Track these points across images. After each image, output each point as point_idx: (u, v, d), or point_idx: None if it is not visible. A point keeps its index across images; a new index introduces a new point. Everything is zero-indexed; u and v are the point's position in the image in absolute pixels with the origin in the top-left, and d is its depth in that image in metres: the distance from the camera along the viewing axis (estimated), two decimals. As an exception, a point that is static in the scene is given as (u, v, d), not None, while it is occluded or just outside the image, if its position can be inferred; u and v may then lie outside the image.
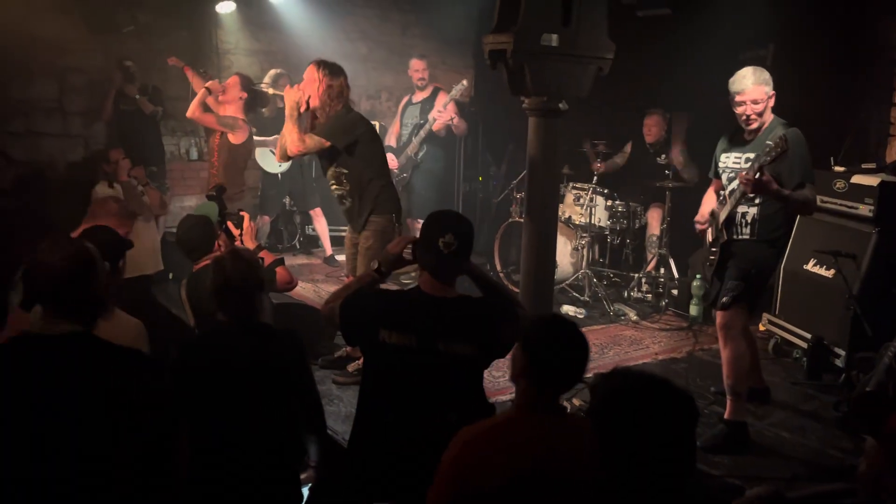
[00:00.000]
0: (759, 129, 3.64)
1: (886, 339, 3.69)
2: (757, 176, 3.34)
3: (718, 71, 4.51)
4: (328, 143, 3.98)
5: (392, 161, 5.71)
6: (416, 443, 2.34)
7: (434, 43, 8.12)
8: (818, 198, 4.81)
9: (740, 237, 3.71)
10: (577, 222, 6.12)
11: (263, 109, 6.42)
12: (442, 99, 6.11)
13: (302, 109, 4.00)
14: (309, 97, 3.98)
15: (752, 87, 3.57)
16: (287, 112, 4.00)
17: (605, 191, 6.13)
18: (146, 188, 5.31)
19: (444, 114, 5.99)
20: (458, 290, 2.53)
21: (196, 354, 2.43)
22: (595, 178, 6.17)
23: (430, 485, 1.97)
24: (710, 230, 3.91)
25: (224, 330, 2.47)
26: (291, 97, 3.98)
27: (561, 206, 6.02)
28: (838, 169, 4.82)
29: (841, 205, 4.66)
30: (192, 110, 5.11)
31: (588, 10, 3.39)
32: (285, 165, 6.40)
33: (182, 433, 1.98)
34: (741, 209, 3.68)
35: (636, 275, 6.16)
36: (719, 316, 3.73)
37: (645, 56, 5.94)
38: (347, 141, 3.98)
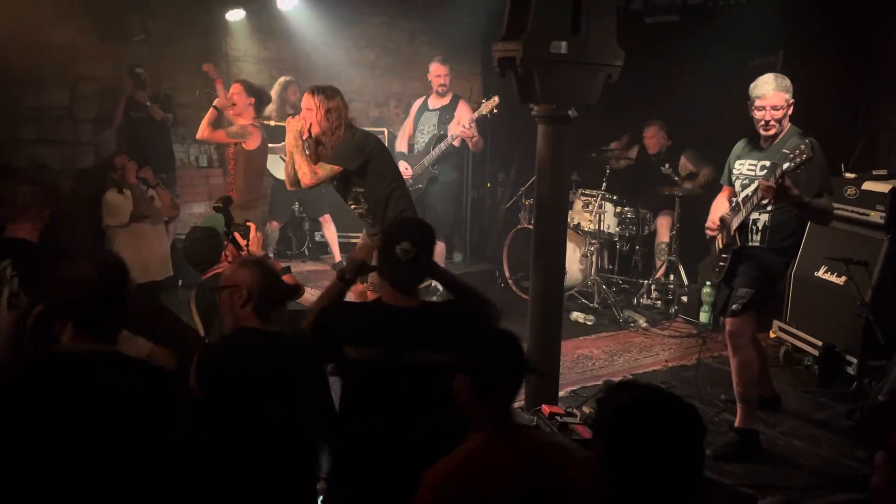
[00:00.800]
0: (776, 136, 3.62)
1: (899, 347, 3.67)
2: (779, 182, 3.29)
3: (727, 77, 4.52)
4: (340, 169, 3.94)
5: (406, 170, 5.52)
6: (393, 456, 2.32)
7: (442, 50, 8.10)
8: (829, 205, 4.81)
9: (751, 244, 3.70)
10: (586, 229, 6.11)
11: (270, 116, 6.45)
12: (464, 110, 5.77)
13: (304, 137, 3.96)
14: (310, 125, 3.94)
15: (773, 92, 3.56)
16: (291, 144, 3.94)
17: (615, 197, 6.11)
18: (157, 189, 5.28)
19: (467, 131, 5.59)
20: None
21: (216, 360, 2.41)
22: (604, 184, 6.16)
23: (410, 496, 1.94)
24: (719, 237, 3.89)
25: (243, 337, 2.45)
26: (293, 127, 3.93)
27: (570, 212, 6.02)
28: (849, 175, 4.79)
29: (852, 211, 4.63)
30: (202, 131, 5.05)
31: (597, 18, 3.38)
32: None
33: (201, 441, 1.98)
34: (752, 216, 3.67)
35: (645, 281, 6.14)
36: (728, 323, 3.73)
37: (654, 63, 5.92)
38: (359, 162, 3.94)
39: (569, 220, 5.87)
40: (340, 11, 7.37)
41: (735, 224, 3.71)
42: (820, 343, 4.61)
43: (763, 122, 3.60)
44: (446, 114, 5.84)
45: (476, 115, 5.58)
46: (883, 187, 4.46)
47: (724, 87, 5.36)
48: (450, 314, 2.51)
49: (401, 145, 6.09)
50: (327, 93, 3.95)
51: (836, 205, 4.69)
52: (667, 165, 5.94)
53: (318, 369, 2.49)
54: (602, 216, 6.02)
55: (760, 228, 3.67)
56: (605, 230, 6.05)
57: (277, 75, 7.03)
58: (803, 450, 3.75)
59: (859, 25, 5.53)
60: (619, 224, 6.09)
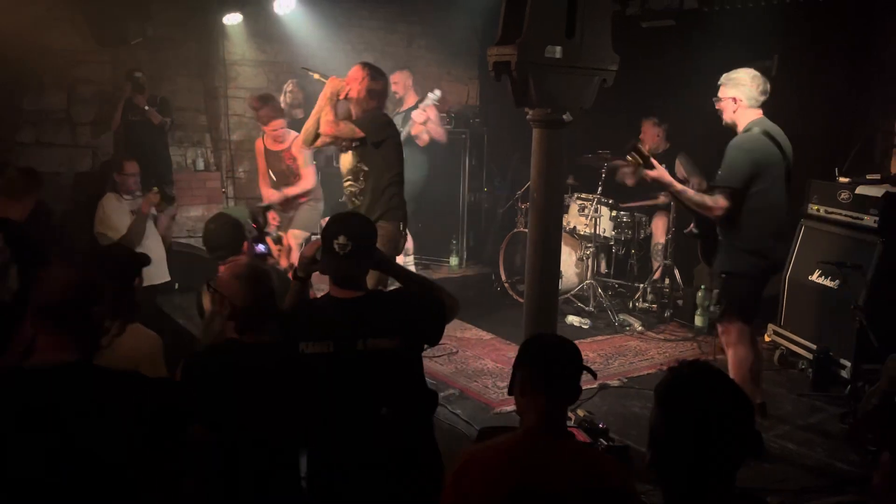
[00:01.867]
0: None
1: (892, 351, 3.68)
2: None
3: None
4: (360, 134, 4.13)
5: None
6: (357, 443, 2.35)
7: (439, 55, 8.17)
8: (823, 208, 4.85)
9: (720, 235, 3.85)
10: (581, 232, 6.13)
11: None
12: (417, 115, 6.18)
13: (341, 97, 4.19)
14: (349, 90, 4.18)
15: (721, 87, 3.79)
16: (326, 95, 4.18)
17: (610, 201, 6.13)
18: (159, 213, 5.30)
19: (420, 114, 6.02)
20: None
21: (194, 374, 2.39)
22: (600, 188, 6.18)
23: (378, 483, 2.04)
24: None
25: (223, 350, 2.44)
26: (334, 84, 4.20)
27: (566, 216, 6.04)
28: (843, 180, 4.81)
29: (846, 215, 4.66)
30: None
31: (592, 22, 3.40)
32: None
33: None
34: None
35: (641, 285, 6.15)
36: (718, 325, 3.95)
37: (649, 67, 5.95)
38: (378, 138, 4.14)
39: (564, 223, 5.88)
40: (338, 16, 7.40)
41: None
42: (814, 346, 4.63)
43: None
44: (407, 117, 6.20)
45: (421, 104, 6.01)
46: (877, 191, 4.48)
47: (718, 91, 5.38)
48: (396, 300, 2.54)
49: None
50: (375, 73, 4.23)
51: (830, 209, 4.77)
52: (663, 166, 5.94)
53: (296, 376, 2.48)
54: (598, 220, 6.04)
55: (719, 222, 3.76)
56: (601, 234, 6.07)
57: (275, 79, 7.07)
58: (797, 453, 3.76)
59: (855, 31, 5.56)
60: (614, 228, 6.11)
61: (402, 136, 5.80)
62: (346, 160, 4.26)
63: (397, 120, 6.14)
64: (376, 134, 4.14)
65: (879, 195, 4.44)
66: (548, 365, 2.05)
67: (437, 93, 6.06)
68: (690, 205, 3.72)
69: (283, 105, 6.35)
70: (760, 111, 3.76)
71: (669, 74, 6.21)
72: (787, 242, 4.08)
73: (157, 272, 5.31)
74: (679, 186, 3.70)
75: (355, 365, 2.37)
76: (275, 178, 5.62)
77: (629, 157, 3.70)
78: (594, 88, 3.51)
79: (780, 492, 3.32)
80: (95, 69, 6.68)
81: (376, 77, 4.22)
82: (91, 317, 1.84)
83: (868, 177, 4.78)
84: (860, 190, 4.58)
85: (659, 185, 3.86)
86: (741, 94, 3.71)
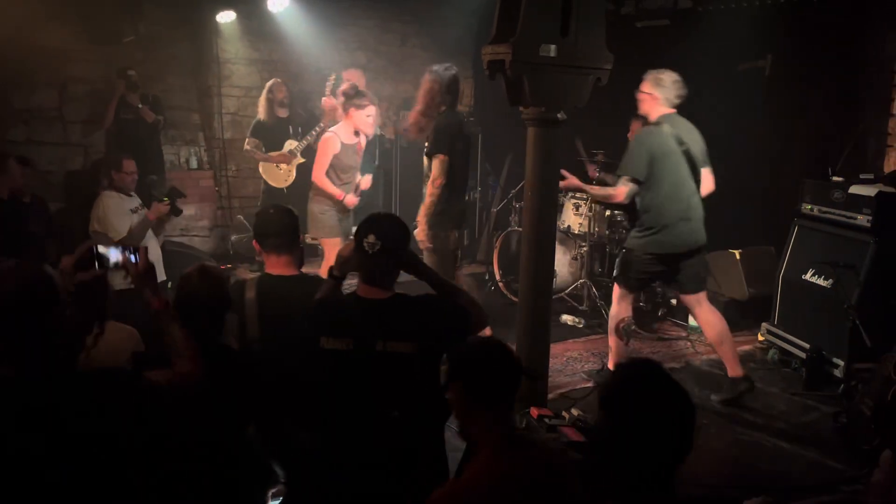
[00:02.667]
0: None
1: (885, 350, 3.69)
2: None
3: (716, 81, 4.55)
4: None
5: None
6: (365, 443, 2.36)
7: (433, 53, 8.14)
8: (817, 208, 4.86)
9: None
10: (576, 232, 6.13)
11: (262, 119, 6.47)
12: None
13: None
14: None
15: (644, 81, 4.29)
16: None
17: (604, 200, 6.13)
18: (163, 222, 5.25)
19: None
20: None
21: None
22: (594, 180, 6.17)
23: (377, 483, 2.00)
24: None
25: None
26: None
27: (560, 215, 6.04)
28: (836, 179, 4.82)
29: (839, 215, 4.67)
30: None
31: (586, 21, 3.39)
32: (290, 180, 6.43)
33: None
34: None
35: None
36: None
37: (643, 66, 5.95)
38: (429, 148, 4.38)
39: (559, 222, 5.88)
40: (332, 14, 7.38)
41: None
42: (807, 346, 4.63)
43: None
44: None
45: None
46: (870, 191, 4.49)
47: (712, 90, 5.40)
48: (421, 306, 2.51)
49: None
50: (431, 73, 4.56)
51: (823, 208, 4.78)
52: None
53: (255, 382, 2.47)
54: (592, 219, 6.04)
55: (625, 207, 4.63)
56: (595, 233, 6.07)
57: (268, 77, 7.03)
58: (790, 451, 3.77)
59: (848, 30, 5.57)
60: (608, 227, 6.10)
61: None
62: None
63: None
64: (432, 144, 4.37)
65: (872, 195, 4.45)
66: (491, 377, 2.00)
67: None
68: (599, 199, 4.38)
69: (269, 103, 6.33)
70: (674, 109, 4.27)
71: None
72: (696, 224, 4.27)
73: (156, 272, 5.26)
74: (585, 187, 4.40)
75: (372, 365, 2.36)
76: (339, 178, 5.23)
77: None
78: (588, 87, 3.51)
79: (773, 490, 3.33)
80: (88, 67, 6.65)
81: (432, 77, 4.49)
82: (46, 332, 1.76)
83: (861, 176, 4.79)
84: (853, 189, 4.59)
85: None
86: (660, 93, 4.24)
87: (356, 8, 7.73)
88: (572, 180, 4.26)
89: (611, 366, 4.55)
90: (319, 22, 7.20)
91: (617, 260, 4.53)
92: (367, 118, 5.17)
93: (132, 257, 2.18)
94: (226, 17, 6.90)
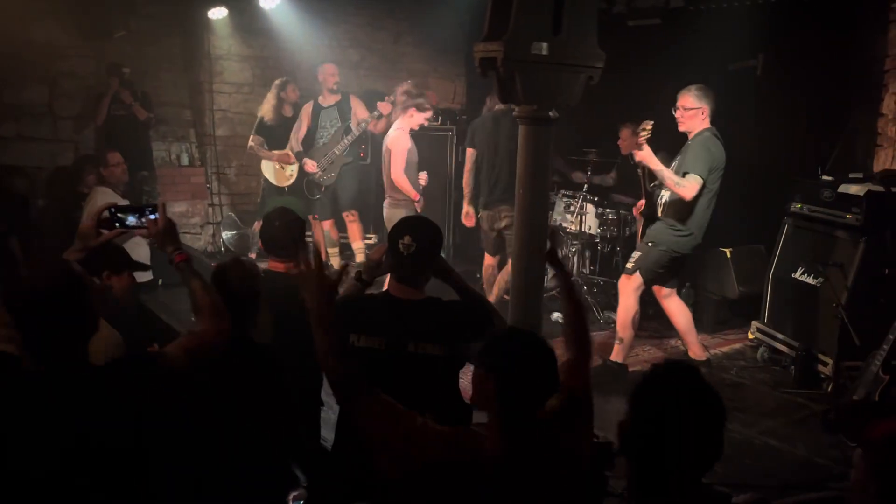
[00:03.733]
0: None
1: (874, 348, 3.71)
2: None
3: (708, 81, 4.57)
4: None
5: (311, 166, 6.26)
6: None
7: (426, 51, 8.15)
8: (806, 207, 4.89)
9: (658, 215, 4.53)
10: (567, 230, 6.13)
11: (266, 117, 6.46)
12: (357, 103, 6.36)
13: None
14: None
15: (688, 97, 4.36)
16: None
17: (596, 199, 6.15)
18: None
19: (379, 124, 6.20)
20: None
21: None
22: (586, 185, 6.19)
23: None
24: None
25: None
26: None
27: (551, 213, 6.04)
28: (826, 178, 4.85)
29: (828, 214, 4.69)
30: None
31: (578, 19, 3.39)
32: (292, 179, 6.47)
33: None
34: (661, 191, 4.49)
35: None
36: (621, 278, 4.62)
37: (635, 66, 5.97)
38: None
39: (550, 220, 5.89)
40: (324, 11, 7.36)
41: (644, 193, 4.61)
42: (797, 344, 4.66)
43: (678, 121, 4.43)
44: (344, 107, 6.36)
45: (369, 118, 6.23)
46: (859, 190, 4.51)
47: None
48: (451, 310, 2.54)
49: (296, 146, 6.42)
50: None
51: (813, 207, 4.81)
52: (640, 170, 5.96)
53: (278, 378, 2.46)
54: (583, 217, 6.05)
55: (662, 203, 4.47)
56: (587, 231, 6.08)
57: (261, 74, 7.02)
58: (779, 449, 3.79)
59: (838, 30, 5.59)
60: (600, 225, 6.12)
61: (351, 137, 6.26)
62: None
63: (332, 112, 6.36)
64: None
65: (862, 194, 4.46)
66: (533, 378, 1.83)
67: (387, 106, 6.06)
68: (668, 184, 4.30)
69: (280, 102, 6.35)
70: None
71: (654, 73, 6.22)
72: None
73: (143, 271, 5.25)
74: (660, 167, 4.27)
75: (403, 365, 2.38)
76: (410, 176, 5.39)
77: (646, 127, 4.20)
78: (580, 85, 3.51)
79: (762, 487, 3.34)
80: (78, 63, 6.62)
81: None
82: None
83: (851, 175, 4.81)
84: (843, 188, 4.61)
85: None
86: (708, 105, 4.37)
87: (349, 5, 7.71)
88: (647, 155, 4.20)
89: (616, 358, 4.59)
90: (311, 19, 7.19)
91: (638, 254, 4.52)
92: (425, 121, 5.40)
93: (152, 215, 2.18)
94: (217, 14, 6.87)
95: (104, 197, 5.05)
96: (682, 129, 4.41)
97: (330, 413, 3.89)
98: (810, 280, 4.70)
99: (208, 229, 7.55)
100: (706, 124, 4.39)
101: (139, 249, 5.14)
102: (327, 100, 6.38)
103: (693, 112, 4.36)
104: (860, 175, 4.85)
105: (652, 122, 4.21)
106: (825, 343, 4.48)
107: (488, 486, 1.81)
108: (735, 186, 4.73)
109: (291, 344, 2.46)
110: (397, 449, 1.85)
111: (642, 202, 4.78)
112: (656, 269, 4.51)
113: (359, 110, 6.32)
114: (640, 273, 4.50)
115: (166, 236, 2.13)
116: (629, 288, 4.52)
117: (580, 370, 2.17)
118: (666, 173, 4.29)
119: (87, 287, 1.80)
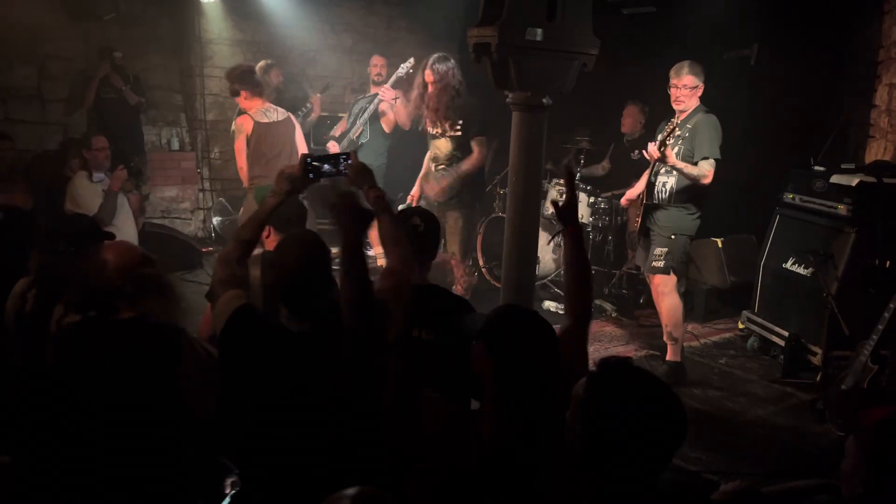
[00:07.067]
0: (683, 112, 4.36)
1: (863, 338, 3.73)
2: (658, 149, 4.18)
3: (703, 69, 4.55)
4: None
5: (334, 147, 6.14)
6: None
7: (419, 36, 8.09)
8: (798, 197, 4.89)
9: (658, 203, 4.42)
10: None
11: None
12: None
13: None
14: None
15: (687, 75, 4.28)
16: None
17: (588, 187, 6.14)
18: (129, 195, 5.20)
19: (388, 92, 6.01)
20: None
21: None
22: (578, 174, 6.17)
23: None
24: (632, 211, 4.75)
25: None
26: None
27: (543, 201, 6.03)
28: (818, 169, 4.85)
29: (820, 204, 4.70)
30: None
31: (573, 6, 3.36)
32: None
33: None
34: (661, 179, 4.39)
35: (617, 271, 6.17)
36: (654, 279, 4.47)
37: (629, 53, 5.94)
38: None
39: (542, 209, 5.88)
40: (317, -6, 7.30)
41: (642, 184, 4.52)
42: (786, 333, 4.68)
43: (673, 99, 4.35)
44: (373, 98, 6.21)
45: (394, 77, 6.03)
46: (851, 181, 4.52)
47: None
48: (448, 297, 2.64)
49: (335, 133, 6.38)
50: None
51: (805, 197, 4.81)
52: (636, 152, 5.96)
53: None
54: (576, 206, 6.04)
55: (668, 191, 4.37)
56: (578, 220, 6.06)
57: (252, 58, 6.94)
58: (767, 437, 3.82)
59: (832, 21, 5.59)
60: (592, 214, 6.12)
61: (368, 112, 6.10)
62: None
63: (366, 102, 6.23)
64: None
65: (853, 184, 4.48)
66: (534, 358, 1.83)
67: (411, 61, 5.94)
68: (688, 176, 4.24)
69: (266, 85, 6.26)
70: None
71: (648, 61, 6.20)
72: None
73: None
74: (680, 164, 4.21)
75: (408, 350, 2.38)
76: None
77: (667, 128, 4.29)
78: (574, 72, 3.49)
79: (750, 476, 3.36)
80: (66, 45, 6.53)
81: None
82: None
83: (843, 166, 4.82)
84: (835, 179, 4.62)
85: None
86: (702, 82, 4.34)
87: (341, -12, 7.65)
88: (670, 156, 4.17)
89: (674, 358, 4.50)
90: (304, 2, 7.12)
91: (663, 250, 4.37)
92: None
93: (344, 163, 2.43)
94: (209, -4, 6.80)
95: (82, 182, 5.02)
96: (679, 107, 4.35)
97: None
98: (801, 270, 4.72)
99: (199, 214, 7.50)
100: (698, 101, 4.37)
101: (126, 228, 5.13)
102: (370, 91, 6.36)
103: (695, 90, 4.32)
104: (852, 166, 4.86)
105: (673, 123, 4.26)
106: (815, 333, 4.50)
107: (482, 464, 1.81)
108: (727, 176, 4.72)
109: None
110: (407, 417, 1.97)
111: (631, 192, 4.73)
112: (683, 258, 4.48)
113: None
114: (675, 270, 4.41)
115: (363, 176, 2.42)
116: (670, 286, 4.41)
117: (581, 340, 2.20)
118: (687, 169, 4.23)
119: (328, 255, 2.14)
